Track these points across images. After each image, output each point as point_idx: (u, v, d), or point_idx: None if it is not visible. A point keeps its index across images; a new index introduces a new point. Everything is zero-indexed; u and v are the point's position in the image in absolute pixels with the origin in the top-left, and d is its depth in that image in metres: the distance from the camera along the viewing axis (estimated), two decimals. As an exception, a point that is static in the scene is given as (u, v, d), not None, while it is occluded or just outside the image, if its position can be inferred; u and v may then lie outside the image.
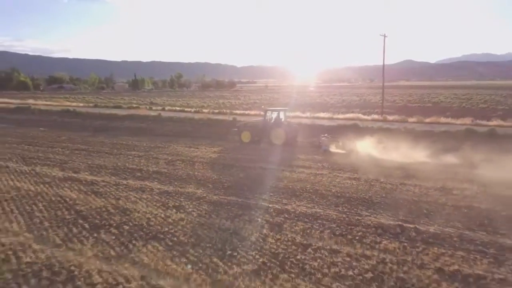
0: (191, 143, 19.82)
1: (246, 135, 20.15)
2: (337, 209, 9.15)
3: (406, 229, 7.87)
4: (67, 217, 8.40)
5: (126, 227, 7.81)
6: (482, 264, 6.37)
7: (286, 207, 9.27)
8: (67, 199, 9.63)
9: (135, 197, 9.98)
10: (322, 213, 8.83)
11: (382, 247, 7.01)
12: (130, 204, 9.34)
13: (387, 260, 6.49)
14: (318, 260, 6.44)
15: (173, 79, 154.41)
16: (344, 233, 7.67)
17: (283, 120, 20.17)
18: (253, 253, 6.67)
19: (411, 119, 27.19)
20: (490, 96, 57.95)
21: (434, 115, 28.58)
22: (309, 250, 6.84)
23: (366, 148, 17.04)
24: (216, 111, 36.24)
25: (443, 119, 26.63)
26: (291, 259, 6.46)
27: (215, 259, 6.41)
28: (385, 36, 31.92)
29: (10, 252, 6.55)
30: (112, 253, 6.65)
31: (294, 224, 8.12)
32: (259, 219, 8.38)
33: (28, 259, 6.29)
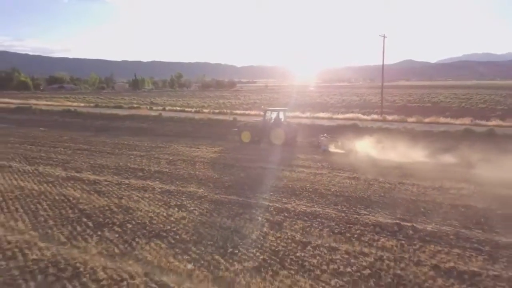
0: (191, 143, 19.98)
1: (246, 135, 20.31)
2: (336, 208, 9.31)
3: (403, 227, 8.03)
4: (71, 215, 8.57)
5: (129, 226, 7.97)
6: (477, 261, 6.52)
7: (286, 206, 9.43)
8: (71, 198, 9.80)
9: (137, 196, 10.14)
10: (321, 212, 8.99)
11: (379, 245, 7.17)
12: (133, 203, 9.50)
13: (385, 257, 6.65)
14: (317, 257, 6.60)
15: (173, 79, 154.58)
16: (342, 231, 7.83)
17: (282, 120, 20.32)
18: (254, 250, 6.83)
19: (410, 119, 27.37)
20: (489, 96, 58.10)
21: (433, 115, 28.77)
22: (309, 247, 7.00)
23: (365, 148, 17.19)
24: (217, 111, 36.40)
25: (442, 119, 26.82)
26: (290, 256, 6.62)
27: (216, 256, 6.58)
28: (384, 37, 32.13)
29: (16, 250, 6.71)
30: (116, 250, 6.82)
31: (294, 222, 8.28)
32: (260, 218, 8.54)
33: (34, 256, 6.45)
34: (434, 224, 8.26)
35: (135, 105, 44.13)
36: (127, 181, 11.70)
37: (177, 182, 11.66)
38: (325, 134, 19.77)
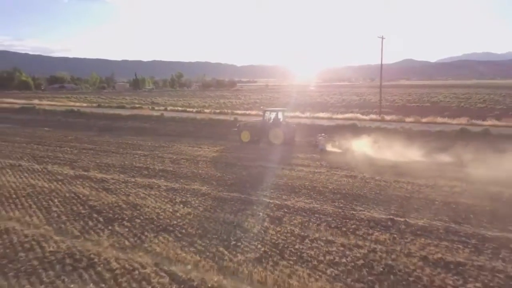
0: (194, 142, 20.47)
1: (246, 134, 20.75)
2: (334, 205, 9.80)
3: (396, 222, 8.52)
4: (82, 211, 9.07)
5: (138, 221, 8.47)
6: (463, 253, 7.01)
7: (285, 202, 9.92)
8: (81, 195, 10.30)
9: (144, 193, 10.64)
10: (319, 208, 9.47)
11: (373, 238, 7.66)
12: (140, 200, 9.99)
13: (377, 249, 7.14)
14: (315, 249, 7.09)
15: (173, 78, 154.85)
16: (339, 225, 8.32)
17: (281, 120, 20.77)
18: (256, 243, 7.33)
19: (408, 119, 27.80)
20: (489, 95, 58.47)
21: (432, 114, 29.19)
22: (307, 240, 7.50)
23: (362, 147, 17.65)
24: (218, 111, 36.85)
25: (439, 119, 27.26)
26: (290, 249, 7.11)
27: (221, 248, 7.07)
28: (382, 38, 32.54)
29: (34, 243, 7.22)
30: (127, 243, 7.31)
31: (293, 217, 8.77)
32: (261, 213, 9.03)
33: (51, 249, 6.95)
34: (426, 219, 8.74)
35: (137, 105, 44.60)
36: (133, 179, 12.19)
37: (181, 180, 12.15)
38: (322, 134, 20.22)
